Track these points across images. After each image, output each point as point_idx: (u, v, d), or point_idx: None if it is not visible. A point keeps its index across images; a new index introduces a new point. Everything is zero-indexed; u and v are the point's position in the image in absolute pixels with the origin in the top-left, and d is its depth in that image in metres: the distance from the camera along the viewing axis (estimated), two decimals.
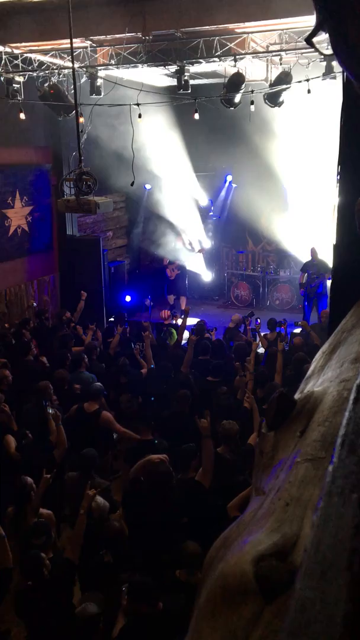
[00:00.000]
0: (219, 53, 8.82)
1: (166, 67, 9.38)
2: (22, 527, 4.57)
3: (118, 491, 5.47)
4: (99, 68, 9.62)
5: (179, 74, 9.09)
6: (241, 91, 9.22)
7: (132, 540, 4.45)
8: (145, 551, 4.33)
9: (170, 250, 13.96)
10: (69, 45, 7.17)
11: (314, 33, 0.73)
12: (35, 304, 11.00)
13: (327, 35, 0.70)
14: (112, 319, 10.76)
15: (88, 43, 9.24)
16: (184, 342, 8.74)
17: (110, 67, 9.57)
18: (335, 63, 8.23)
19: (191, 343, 7.70)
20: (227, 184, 14.64)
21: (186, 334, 8.76)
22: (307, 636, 0.32)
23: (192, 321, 10.19)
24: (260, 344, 8.75)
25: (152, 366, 7.65)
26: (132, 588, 3.57)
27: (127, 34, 8.46)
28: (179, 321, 9.61)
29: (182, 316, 9.05)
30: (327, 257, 10.74)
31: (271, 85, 9.32)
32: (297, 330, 9.42)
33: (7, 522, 4.65)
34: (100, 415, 6.26)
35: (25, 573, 4.04)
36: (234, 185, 14.53)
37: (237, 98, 9.36)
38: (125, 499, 5.05)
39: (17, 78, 9.51)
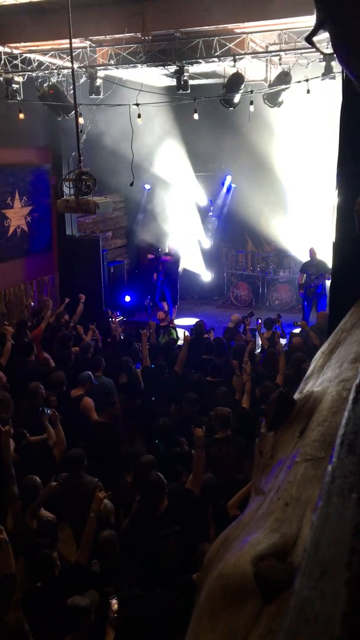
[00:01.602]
0: (218, 53, 8.83)
1: (165, 67, 9.38)
2: (24, 527, 4.56)
3: None
4: (98, 68, 9.62)
5: (178, 74, 9.09)
6: (240, 91, 9.22)
7: (127, 549, 4.42)
8: (140, 560, 4.31)
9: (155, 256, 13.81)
10: (68, 45, 7.17)
11: (314, 32, 0.73)
12: (33, 303, 10.99)
13: (328, 34, 0.70)
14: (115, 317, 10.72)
15: (87, 43, 9.24)
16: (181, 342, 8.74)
17: (109, 67, 9.57)
18: (334, 63, 8.24)
19: (186, 342, 7.68)
20: (226, 184, 14.65)
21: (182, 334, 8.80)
22: (306, 636, 0.32)
23: (191, 321, 10.20)
24: (261, 344, 8.76)
25: (152, 366, 7.62)
26: (124, 603, 3.53)
27: (127, 34, 8.46)
28: (182, 322, 9.66)
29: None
30: (327, 257, 10.74)
31: (270, 86, 9.32)
32: (297, 331, 9.42)
33: (11, 520, 4.64)
34: (80, 401, 6.32)
35: (36, 574, 4.00)
36: (233, 185, 14.53)
37: (237, 98, 9.36)
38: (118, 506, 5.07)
39: (16, 78, 9.51)
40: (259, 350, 8.78)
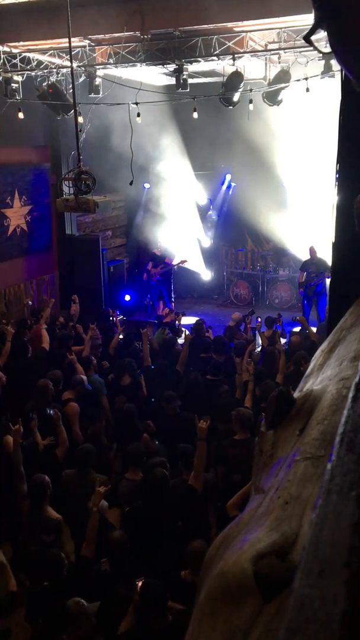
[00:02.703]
0: (217, 52, 8.81)
1: (165, 66, 9.37)
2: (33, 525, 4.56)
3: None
4: (97, 67, 9.61)
5: (177, 72, 9.08)
6: (240, 90, 9.21)
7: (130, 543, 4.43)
8: (143, 554, 4.31)
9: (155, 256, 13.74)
10: (67, 45, 7.16)
11: (312, 31, 0.72)
12: (30, 302, 10.97)
13: (326, 33, 0.70)
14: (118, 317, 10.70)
15: (86, 42, 9.23)
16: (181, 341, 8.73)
17: (108, 66, 9.56)
18: (333, 61, 8.22)
19: (187, 341, 7.68)
20: (226, 182, 14.64)
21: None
22: (305, 634, 0.32)
23: (191, 320, 10.20)
24: (261, 342, 8.76)
25: (152, 366, 7.59)
26: (145, 590, 3.56)
27: (126, 33, 8.45)
28: (183, 320, 9.64)
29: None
30: (327, 256, 10.73)
31: (270, 84, 9.31)
32: (297, 329, 9.42)
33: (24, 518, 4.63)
34: (66, 405, 6.23)
35: (43, 573, 3.99)
36: (233, 184, 14.53)
37: (236, 97, 9.35)
38: (121, 501, 5.06)
39: (15, 77, 9.50)
40: (259, 349, 8.78)
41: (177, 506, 4.62)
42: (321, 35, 0.74)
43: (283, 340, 8.76)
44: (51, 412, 5.73)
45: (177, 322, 9.63)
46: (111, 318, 10.11)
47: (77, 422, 6.18)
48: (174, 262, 13.28)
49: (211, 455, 5.38)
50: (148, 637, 3.45)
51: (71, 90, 7.80)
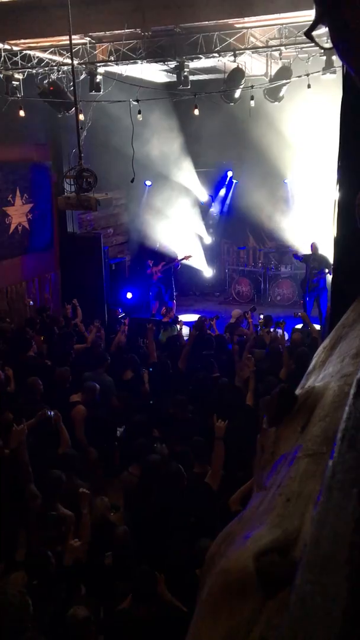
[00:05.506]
0: (218, 48, 8.79)
1: (166, 63, 9.36)
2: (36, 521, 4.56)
3: (118, 491, 5.44)
4: (98, 64, 9.60)
5: (178, 69, 9.07)
6: (241, 86, 9.20)
7: (137, 541, 4.43)
8: (152, 553, 4.31)
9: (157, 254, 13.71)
10: (68, 42, 7.15)
11: (313, 27, 0.72)
12: (31, 302, 10.98)
13: (327, 28, 0.70)
14: (121, 315, 10.67)
15: (87, 39, 9.22)
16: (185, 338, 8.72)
17: (109, 63, 9.55)
18: (335, 57, 8.20)
19: (191, 338, 7.69)
20: (227, 179, 14.63)
21: (186, 330, 8.78)
22: (307, 630, 0.32)
23: (194, 317, 10.20)
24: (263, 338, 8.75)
25: (150, 369, 7.56)
26: (137, 576, 3.60)
27: (126, 30, 8.43)
28: (184, 317, 9.64)
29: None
30: (328, 253, 10.71)
31: (271, 80, 9.30)
32: (299, 326, 9.40)
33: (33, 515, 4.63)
34: (74, 407, 6.21)
35: (31, 571, 4.00)
36: (234, 181, 14.51)
37: (237, 93, 9.34)
38: (128, 499, 5.06)
39: (16, 75, 9.49)
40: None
41: (192, 502, 4.61)
42: (322, 31, 0.74)
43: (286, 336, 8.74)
44: (51, 413, 5.72)
45: (178, 326, 9.55)
46: (120, 319, 10.10)
47: (82, 426, 6.16)
48: (178, 258, 13.29)
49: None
50: (135, 620, 3.53)
51: (72, 88, 7.81)
